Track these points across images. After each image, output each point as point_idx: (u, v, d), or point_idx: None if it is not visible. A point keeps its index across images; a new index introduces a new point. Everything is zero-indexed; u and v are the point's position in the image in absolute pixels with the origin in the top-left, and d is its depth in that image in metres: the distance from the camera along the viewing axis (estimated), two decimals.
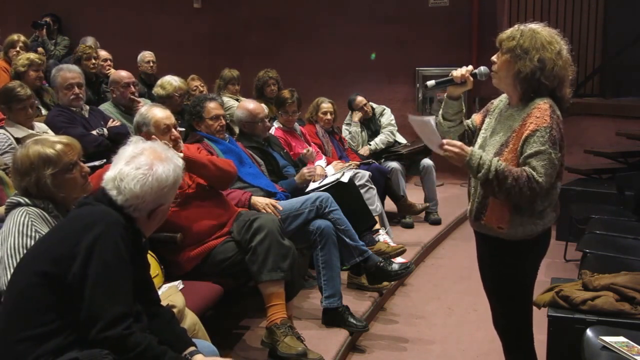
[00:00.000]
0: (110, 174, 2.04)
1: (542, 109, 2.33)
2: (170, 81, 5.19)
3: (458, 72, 2.56)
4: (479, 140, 2.57)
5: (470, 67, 2.57)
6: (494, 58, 2.47)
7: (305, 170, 4.31)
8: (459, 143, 2.34)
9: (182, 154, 3.09)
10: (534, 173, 2.27)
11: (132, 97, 4.71)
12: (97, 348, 1.83)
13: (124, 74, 4.77)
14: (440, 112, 2.70)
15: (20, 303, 1.92)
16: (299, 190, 4.24)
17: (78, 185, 2.43)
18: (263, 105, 4.51)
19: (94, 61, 5.54)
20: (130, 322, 1.88)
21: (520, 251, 2.45)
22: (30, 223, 2.31)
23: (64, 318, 1.88)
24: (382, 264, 3.74)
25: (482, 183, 2.34)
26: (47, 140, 2.46)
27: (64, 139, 2.48)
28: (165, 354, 1.95)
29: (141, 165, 2.01)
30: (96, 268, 1.87)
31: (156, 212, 2.07)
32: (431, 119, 2.36)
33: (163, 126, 3.23)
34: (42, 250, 1.98)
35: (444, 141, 2.34)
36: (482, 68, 2.56)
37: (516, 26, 2.42)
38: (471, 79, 2.56)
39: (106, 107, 4.72)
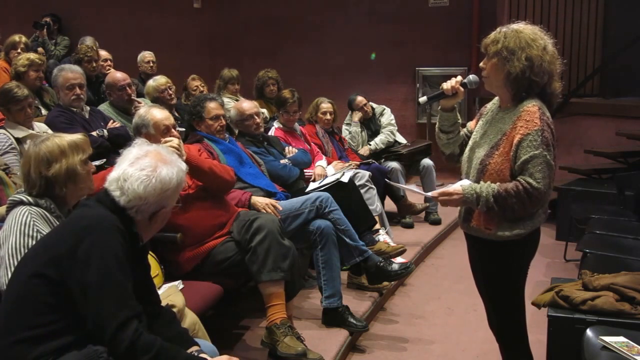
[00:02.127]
0: (113, 174, 2.04)
1: (530, 112, 2.34)
2: (150, 84, 5.28)
3: (448, 85, 2.56)
4: (470, 143, 2.57)
5: (459, 78, 2.58)
6: (482, 64, 2.48)
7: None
8: (450, 189, 2.40)
9: (184, 157, 3.11)
10: (531, 180, 2.28)
11: (130, 98, 4.70)
12: (112, 352, 1.85)
13: (119, 76, 4.74)
14: (437, 125, 2.70)
15: (20, 303, 1.92)
16: (299, 190, 4.25)
17: (89, 180, 2.47)
18: (255, 103, 4.52)
19: (94, 64, 5.51)
20: (137, 324, 1.89)
21: (509, 252, 2.46)
22: (32, 223, 2.31)
23: (62, 319, 1.89)
24: (382, 264, 3.74)
25: (486, 212, 2.37)
26: (64, 134, 2.51)
27: (80, 134, 2.54)
28: (179, 353, 1.97)
29: (145, 166, 2.02)
30: (97, 275, 1.86)
31: (157, 215, 2.07)
32: (413, 187, 2.48)
33: (163, 127, 3.25)
34: (41, 251, 1.98)
35: (432, 194, 2.43)
36: (471, 77, 2.57)
37: (498, 29, 2.43)
38: (462, 89, 2.56)
39: (104, 108, 4.72)
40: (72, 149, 2.40)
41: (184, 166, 2.13)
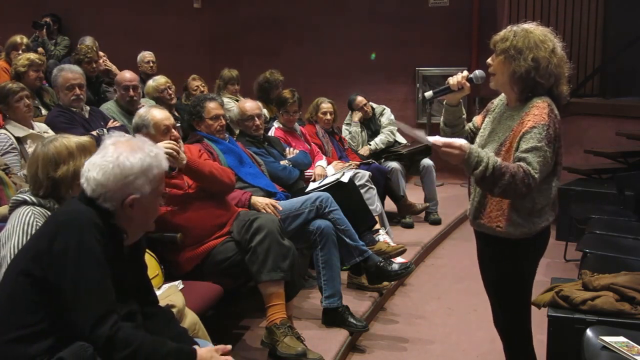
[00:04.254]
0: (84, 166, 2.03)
1: (540, 107, 2.34)
2: (149, 84, 5.33)
3: (454, 79, 2.55)
4: (478, 140, 2.57)
5: (465, 73, 2.57)
6: (489, 61, 2.48)
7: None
8: (457, 143, 2.26)
9: (184, 161, 3.12)
10: (530, 168, 2.24)
11: (131, 100, 4.70)
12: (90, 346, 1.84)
13: (127, 75, 4.79)
14: (442, 119, 2.70)
15: (10, 302, 1.91)
16: (299, 190, 4.25)
17: None
18: (259, 104, 4.52)
19: (94, 65, 5.52)
20: (116, 319, 1.88)
21: (519, 250, 2.46)
22: (34, 223, 2.31)
23: (51, 318, 1.88)
24: (382, 264, 3.74)
25: (478, 180, 2.29)
26: (71, 135, 2.51)
27: (83, 137, 2.55)
28: (164, 345, 1.95)
29: (107, 154, 1.98)
30: (72, 272, 1.85)
31: (128, 203, 1.99)
32: (422, 133, 2.34)
33: (163, 127, 3.25)
34: (27, 249, 1.99)
35: (440, 142, 2.26)
36: (477, 72, 2.57)
37: (509, 27, 2.43)
38: (468, 84, 2.56)
39: (109, 107, 4.75)
40: (80, 150, 2.40)
41: (155, 152, 2.04)
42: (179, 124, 4.18)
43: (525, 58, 2.33)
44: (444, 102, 2.66)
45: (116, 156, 1.97)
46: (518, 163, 2.27)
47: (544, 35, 2.38)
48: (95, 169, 1.97)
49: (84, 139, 2.49)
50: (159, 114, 3.30)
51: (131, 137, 2.12)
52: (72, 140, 2.44)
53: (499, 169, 2.23)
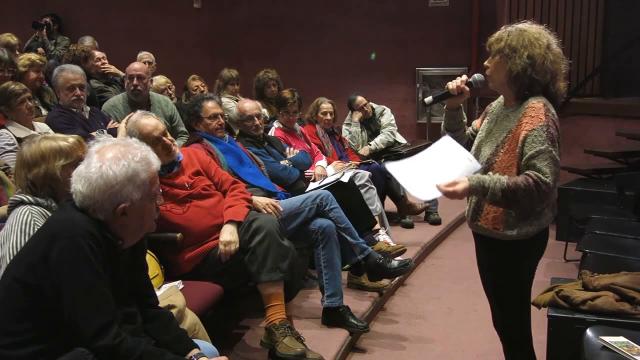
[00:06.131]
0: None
1: (536, 108, 2.34)
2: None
3: (453, 84, 2.56)
4: (476, 142, 2.57)
5: (464, 77, 2.58)
6: (486, 63, 2.48)
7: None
8: (451, 182, 2.24)
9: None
10: (540, 175, 2.25)
11: (135, 90, 4.68)
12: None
13: (136, 65, 4.79)
14: (442, 124, 2.70)
15: (3, 309, 1.89)
16: (299, 190, 4.25)
17: None
18: (258, 104, 4.52)
19: (91, 61, 5.53)
20: (117, 329, 1.86)
21: (517, 251, 2.46)
22: (32, 222, 2.30)
23: (45, 325, 1.86)
24: (381, 261, 3.74)
25: (492, 204, 2.33)
26: (58, 136, 2.49)
27: (74, 136, 2.51)
28: (164, 356, 1.94)
29: (91, 164, 1.95)
30: (69, 283, 1.83)
31: (119, 211, 1.95)
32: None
33: (152, 139, 3.10)
34: (23, 254, 1.97)
35: (442, 189, 2.24)
36: (477, 75, 2.57)
37: (503, 28, 2.44)
38: (467, 88, 2.56)
39: (114, 101, 4.73)
40: (55, 153, 2.37)
41: (140, 155, 1.98)
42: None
43: (520, 56, 2.34)
44: (444, 107, 2.67)
45: (99, 166, 1.93)
46: (526, 173, 2.27)
47: (538, 32, 2.38)
48: (80, 182, 1.94)
49: (67, 140, 2.43)
50: (149, 126, 3.15)
51: (117, 140, 2.05)
52: (50, 142, 2.40)
53: (507, 189, 2.23)
